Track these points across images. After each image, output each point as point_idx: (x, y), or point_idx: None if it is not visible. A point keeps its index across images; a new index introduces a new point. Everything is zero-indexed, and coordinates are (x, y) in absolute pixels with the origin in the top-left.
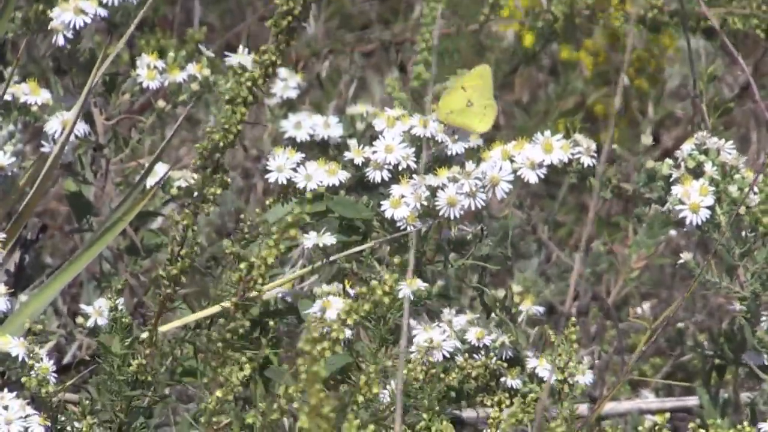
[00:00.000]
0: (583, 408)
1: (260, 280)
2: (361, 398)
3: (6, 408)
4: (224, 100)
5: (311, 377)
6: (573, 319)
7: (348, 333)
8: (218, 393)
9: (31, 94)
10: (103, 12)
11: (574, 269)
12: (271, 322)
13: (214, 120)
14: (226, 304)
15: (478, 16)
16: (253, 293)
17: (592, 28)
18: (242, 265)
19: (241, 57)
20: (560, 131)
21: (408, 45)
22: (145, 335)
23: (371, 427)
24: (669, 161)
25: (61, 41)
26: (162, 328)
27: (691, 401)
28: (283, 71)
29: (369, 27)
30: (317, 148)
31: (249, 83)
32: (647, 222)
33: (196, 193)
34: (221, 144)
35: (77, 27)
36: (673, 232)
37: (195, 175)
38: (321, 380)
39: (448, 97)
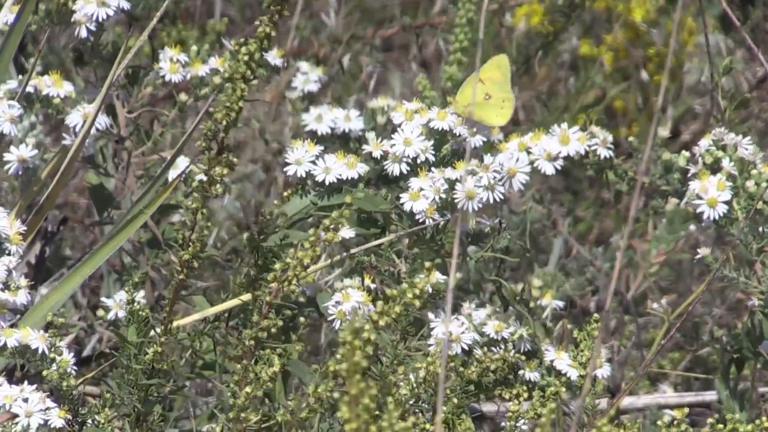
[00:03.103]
0: (602, 402)
1: (295, 281)
2: (390, 399)
3: (26, 400)
4: (223, 78)
5: (352, 367)
6: (596, 315)
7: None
8: (247, 389)
9: (54, 86)
10: (125, 4)
11: (596, 263)
12: (302, 319)
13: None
14: (247, 297)
15: None
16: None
17: (612, 15)
18: (278, 265)
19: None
20: (581, 125)
21: (427, 28)
22: (159, 325)
23: (411, 419)
24: (685, 153)
25: (84, 33)
26: (181, 321)
27: (710, 396)
28: (304, 65)
29: (390, 21)
30: (338, 142)
31: (246, 58)
32: (667, 217)
33: (204, 176)
34: (224, 123)
35: (100, 19)
36: (692, 228)
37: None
38: (361, 371)
39: (465, 90)
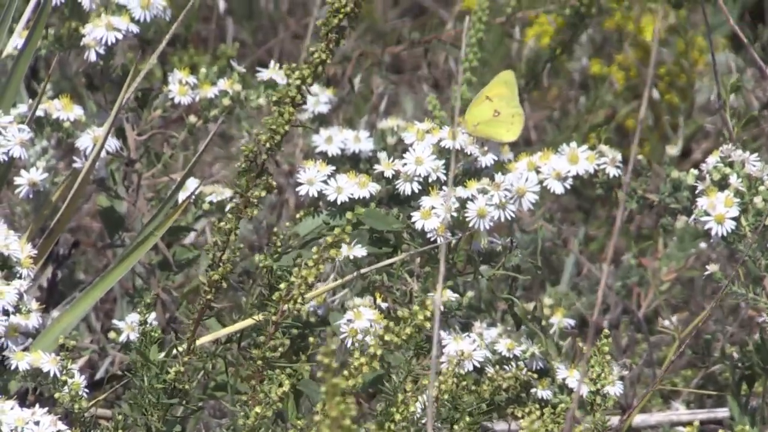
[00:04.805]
0: (614, 420)
1: (300, 300)
2: (398, 416)
3: (38, 423)
4: (272, 101)
5: (330, 389)
6: (606, 330)
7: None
8: (257, 409)
9: (64, 110)
10: (134, 28)
11: (601, 281)
12: (311, 339)
13: (249, 133)
14: (258, 318)
15: (505, 10)
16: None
17: (622, 34)
18: (282, 285)
19: (273, 72)
20: (591, 145)
21: (435, 42)
22: (183, 345)
23: None
24: (694, 171)
25: (93, 57)
26: None
27: (722, 413)
28: (314, 86)
29: (401, 43)
30: (348, 163)
31: (299, 82)
32: (677, 235)
33: (239, 197)
34: (267, 145)
35: (109, 43)
36: (703, 245)
37: (239, 180)
38: (341, 392)
39: (474, 108)
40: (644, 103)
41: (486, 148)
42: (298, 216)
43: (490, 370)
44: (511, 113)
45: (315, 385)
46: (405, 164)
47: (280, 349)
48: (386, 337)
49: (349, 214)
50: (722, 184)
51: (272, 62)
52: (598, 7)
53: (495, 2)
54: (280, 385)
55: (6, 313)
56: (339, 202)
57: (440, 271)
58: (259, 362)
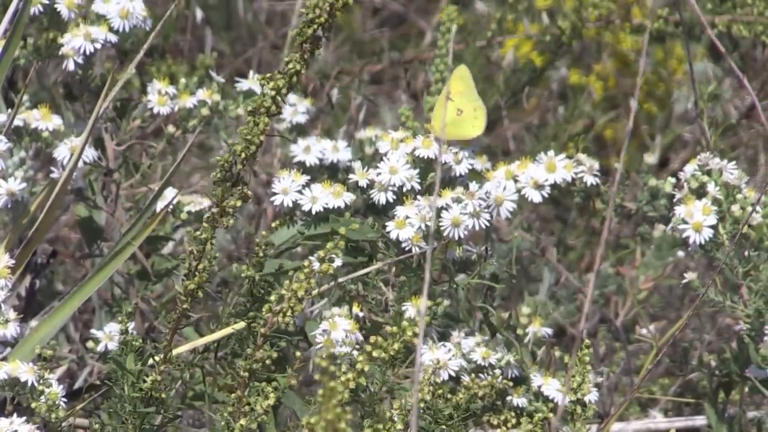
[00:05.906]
0: (592, 428)
1: (289, 313)
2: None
3: None
4: (247, 111)
5: (327, 393)
6: (587, 341)
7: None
8: (242, 421)
9: (42, 119)
10: (113, 38)
11: (586, 291)
12: (297, 353)
13: (226, 143)
14: (241, 327)
15: (485, 33)
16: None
17: (601, 44)
18: (272, 297)
19: (252, 82)
20: (569, 154)
21: (416, 63)
22: (159, 354)
23: None
24: (671, 179)
25: (71, 66)
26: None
27: (700, 420)
28: (292, 97)
29: (380, 54)
30: (327, 173)
31: (273, 92)
32: (655, 243)
33: (215, 207)
34: (243, 155)
35: (87, 53)
36: (680, 254)
37: (214, 189)
38: (337, 396)
39: (438, 111)
40: (631, 116)
41: (460, 157)
42: (273, 225)
43: (465, 379)
44: (472, 107)
45: (296, 397)
46: (379, 174)
47: (267, 361)
48: (374, 353)
49: (342, 230)
50: (700, 193)
51: (251, 73)
52: (578, 35)
53: (477, 25)
54: (266, 397)
55: None
56: (314, 212)
57: (425, 279)
58: (245, 374)
